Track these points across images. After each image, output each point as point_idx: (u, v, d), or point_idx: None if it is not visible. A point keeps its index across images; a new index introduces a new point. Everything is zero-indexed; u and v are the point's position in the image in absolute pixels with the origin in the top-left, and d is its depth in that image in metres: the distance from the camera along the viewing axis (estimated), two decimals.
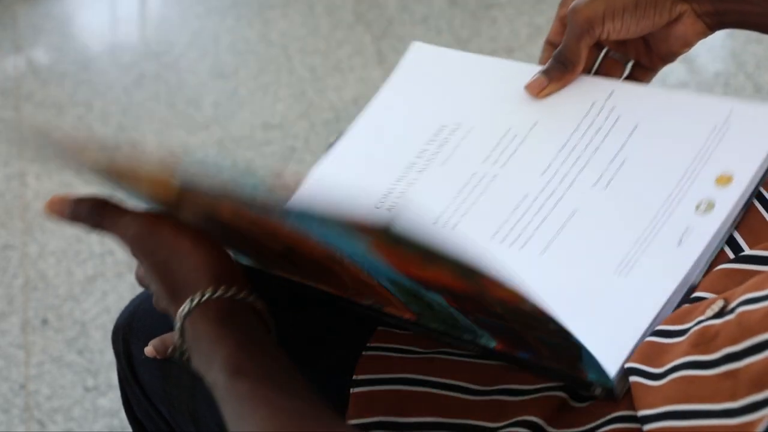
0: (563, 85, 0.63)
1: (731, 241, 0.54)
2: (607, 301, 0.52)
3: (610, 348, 0.49)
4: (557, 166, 0.59)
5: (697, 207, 0.54)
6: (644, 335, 0.50)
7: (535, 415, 0.48)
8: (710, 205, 0.53)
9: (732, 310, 0.43)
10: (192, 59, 1.90)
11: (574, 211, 0.56)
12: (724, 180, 0.54)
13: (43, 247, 1.57)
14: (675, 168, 0.55)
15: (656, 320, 0.51)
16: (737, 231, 0.54)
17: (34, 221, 1.62)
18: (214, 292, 0.48)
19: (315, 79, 1.81)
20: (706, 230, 0.52)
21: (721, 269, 0.50)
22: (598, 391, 0.47)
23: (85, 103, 1.83)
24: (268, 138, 1.71)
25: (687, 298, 0.52)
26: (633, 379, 0.45)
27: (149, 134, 1.75)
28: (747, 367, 0.40)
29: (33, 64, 1.94)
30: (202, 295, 0.48)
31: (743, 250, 0.53)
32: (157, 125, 1.77)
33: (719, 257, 0.53)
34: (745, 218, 0.55)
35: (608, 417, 0.46)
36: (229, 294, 0.49)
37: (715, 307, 0.45)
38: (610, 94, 0.61)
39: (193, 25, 1.98)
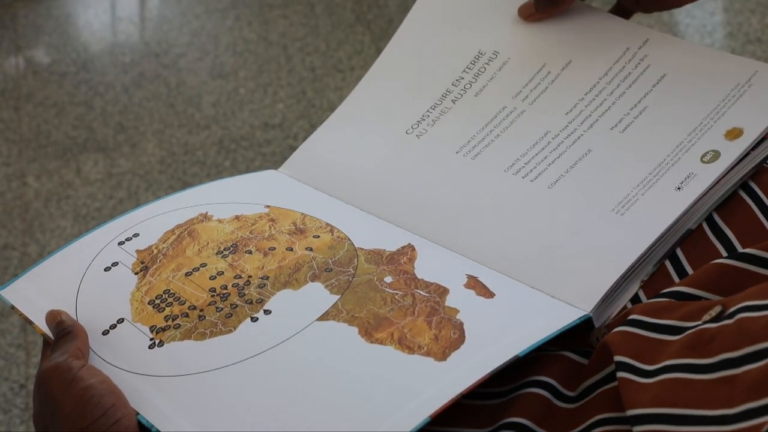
0: (549, 17, 0.67)
1: (723, 239, 0.54)
2: (600, 237, 0.55)
3: (594, 278, 0.53)
4: (582, 107, 0.62)
5: (703, 156, 0.56)
6: (629, 271, 0.53)
7: (522, 417, 0.48)
8: (716, 155, 0.56)
9: (730, 316, 0.43)
10: (192, 59, 1.90)
11: (588, 151, 0.59)
12: (733, 134, 0.56)
13: (43, 247, 1.57)
14: (690, 120, 0.58)
15: (645, 259, 0.54)
16: (729, 229, 0.54)
17: (34, 221, 1.62)
18: None
19: (315, 79, 1.81)
20: (707, 178, 0.55)
21: (713, 264, 0.50)
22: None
23: (85, 103, 1.83)
24: (268, 138, 1.71)
25: (682, 241, 0.54)
26: (622, 375, 0.44)
27: (149, 134, 1.76)
28: (744, 373, 0.39)
29: (33, 64, 1.94)
30: None
31: (735, 248, 0.53)
32: (157, 125, 1.77)
33: (711, 254, 0.54)
34: (737, 215, 0.55)
35: (596, 418, 0.46)
36: None
37: (713, 312, 0.44)
38: (645, 42, 0.64)
39: (193, 25, 1.98)
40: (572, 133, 0.61)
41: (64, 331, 0.53)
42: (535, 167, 0.60)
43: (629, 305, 0.53)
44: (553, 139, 0.61)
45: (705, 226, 0.55)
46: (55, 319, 0.54)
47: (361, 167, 0.66)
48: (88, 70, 1.90)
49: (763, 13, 1.74)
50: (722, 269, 0.49)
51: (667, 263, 0.54)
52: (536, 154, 0.60)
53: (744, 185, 0.56)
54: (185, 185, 1.66)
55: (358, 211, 0.63)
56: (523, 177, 0.59)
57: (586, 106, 0.62)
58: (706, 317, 0.44)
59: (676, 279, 0.53)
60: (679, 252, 0.55)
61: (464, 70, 0.67)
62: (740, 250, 0.52)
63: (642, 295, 0.53)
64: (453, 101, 0.66)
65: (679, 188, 0.55)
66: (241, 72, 1.85)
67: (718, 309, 0.44)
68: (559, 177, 0.58)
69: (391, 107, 0.68)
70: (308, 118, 1.73)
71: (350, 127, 0.69)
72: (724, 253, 0.53)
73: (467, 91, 0.66)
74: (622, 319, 0.49)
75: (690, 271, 0.53)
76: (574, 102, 0.62)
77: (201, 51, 1.91)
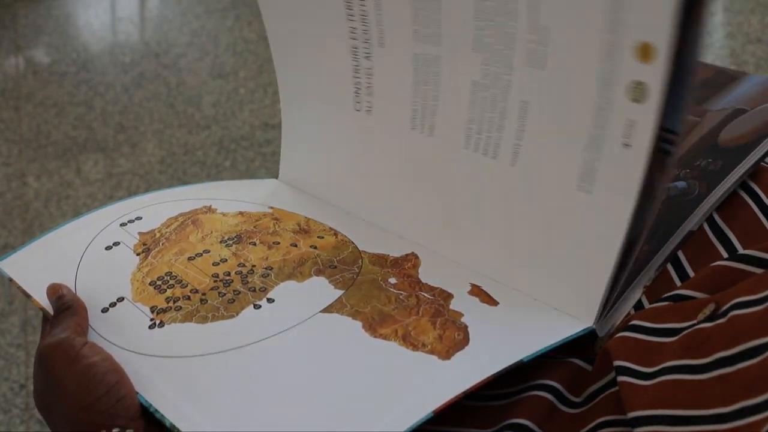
0: None
1: (724, 240, 0.54)
2: (579, 231, 0.52)
3: (586, 287, 0.51)
4: (482, 38, 0.55)
5: (629, 92, 0.48)
6: (622, 274, 0.51)
7: (525, 418, 0.48)
8: (640, 89, 0.48)
9: (724, 314, 0.43)
10: (192, 59, 1.90)
11: (526, 103, 0.54)
12: (644, 52, 0.47)
13: None
14: (589, 35, 0.50)
15: (647, 266, 0.52)
16: (730, 230, 0.54)
17: (34, 221, 1.62)
18: None
19: None
20: (647, 122, 0.47)
21: (714, 266, 0.50)
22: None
23: (85, 103, 1.83)
24: (268, 138, 1.71)
25: (684, 243, 0.52)
26: (622, 378, 0.44)
27: (149, 134, 1.76)
28: (738, 371, 0.40)
29: (33, 64, 1.94)
30: None
31: (736, 248, 0.53)
32: (157, 125, 1.77)
33: (712, 255, 0.54)
34: (737, 216, 0.55)
35: (598, 421, 0.46)
36: None
37: (707, 311, 0.45)
38: None
39: (193, 25, 1.98)
40: (497, 79, 0.55)
41: (64, 306, 0.53)
42: (489, 137, 0.56)
43: (632, 311, 0.53)
44: (483, 92, 0.56)
45: (706, 228, 0.55)
46: (56, 292, 0.53)
47: (338, 168, 0.65)
48: (88, 70, 1.90)
49: (763, 13, 1.74)
50: (722, 271, 0.49)
51: (669, 266, 0.54)
52: (480, 118, 0.56)
53: (744, 185, 0.56)
54: (185, 185, 1.66)
55: (360, 220, 0.63)
56: (483, 154, 0.56)
57: (485, 37, 0.55)
58: (701, 316, 0.45)
59: (678, 282, 0.53)
60: (680, 254, 0.55)
61: (348, 18, 0.61)
62: (741, 250, 0.52)
63: (644, 300, 0.53)
64: (367, 57, 0.61)
65: (627, 144, 0.49)
66: (241, 72, 1.85)
67: (711, 307, 0.45)
68: (516, 147, 0.55)
69: (322, 83, 0.64)
70: None
71: (307, 120, 0.67)
72: (726, 255, 0.53)
73: (371, 43, 0.61)
74: (624, 325, 0.49)
75: (692, 273, 0.53)
76: (471, 34, 0.56)
77: (201, 51, 1.91)
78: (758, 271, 0.48)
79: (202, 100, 1.80)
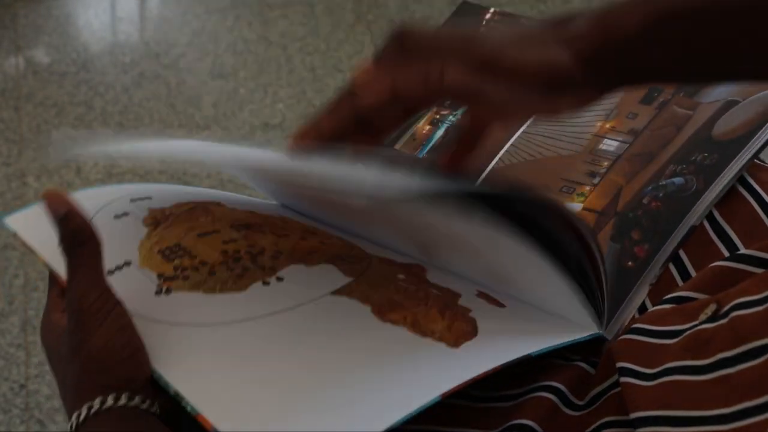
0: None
1: (725, 238, 0.54)
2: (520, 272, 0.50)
3: (569, 309, 0.50)
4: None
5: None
6: (580, 286, 0.49)
7: (528, 419, 0.49)
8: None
9: (725, 314, 0.43)
10: (192, 59, 1.90)
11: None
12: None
13: None
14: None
15: (652, 263, 0.52)
16: (730, 227, 0.55)
17: None
18: (116, 400, 0.44)
19: (315, 79, 1.81)
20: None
21: (713, 267, 0.50)
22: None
23: (85, 103, 1.83)
24: (268, 138, 1.71)
25: (687, 238, 0.52)
26: (625, 380, 0.45)
27: (149, 134, 1.76)
28: (739, 372, 0.40)
29: (33, 64, 1.94)
30: (102, 402, 0.44)
31: (736, 246, 0.53)
32: (157, 125, 1.77)
33: (713, 253, 0.54)
34: (737, 213, 0.55)
35: (601, 422, 0.46)
36: (133, 403, 0.44)
37: (708, 311, 0.45)
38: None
39: (193, 25, 1.98)
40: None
41: (85, 237, 0.46)
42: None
43: (637, 314, 0.53)
44: None
45: (707, 225, 0.55)
46: (77, 222, 0.46)
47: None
48: (88, 70, 1.90)
49: None
50: (722, 271, 0.49)
51: (671, 265, 0.54)
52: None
53: (744, 182, 0.56)
54: (185, 185, 1.66)
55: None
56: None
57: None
58: (702, 317, 0.45)
59: (680, 281, 0.54)
60: (682, 254, 0.55)
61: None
62: (742, 249, 0.52)
63: (648, 302, 0.54)
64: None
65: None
66: (241, 72, 1.85)
67: (713, 307, 0.45)
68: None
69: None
70: (308, 118, 1.73)
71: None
72: (726, 252, 0.54)
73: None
74: (627, 328, 0.50)
75: (693, 272, 0.54)
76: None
77: (201, 51, 1.91)
78: (758, 270, 0.48)
79: (202, 100, 1.80)
